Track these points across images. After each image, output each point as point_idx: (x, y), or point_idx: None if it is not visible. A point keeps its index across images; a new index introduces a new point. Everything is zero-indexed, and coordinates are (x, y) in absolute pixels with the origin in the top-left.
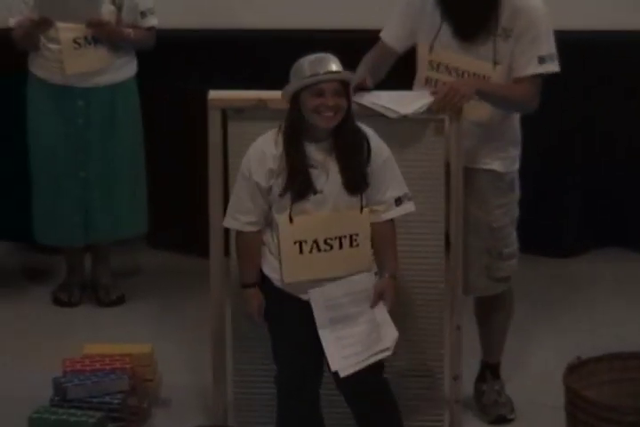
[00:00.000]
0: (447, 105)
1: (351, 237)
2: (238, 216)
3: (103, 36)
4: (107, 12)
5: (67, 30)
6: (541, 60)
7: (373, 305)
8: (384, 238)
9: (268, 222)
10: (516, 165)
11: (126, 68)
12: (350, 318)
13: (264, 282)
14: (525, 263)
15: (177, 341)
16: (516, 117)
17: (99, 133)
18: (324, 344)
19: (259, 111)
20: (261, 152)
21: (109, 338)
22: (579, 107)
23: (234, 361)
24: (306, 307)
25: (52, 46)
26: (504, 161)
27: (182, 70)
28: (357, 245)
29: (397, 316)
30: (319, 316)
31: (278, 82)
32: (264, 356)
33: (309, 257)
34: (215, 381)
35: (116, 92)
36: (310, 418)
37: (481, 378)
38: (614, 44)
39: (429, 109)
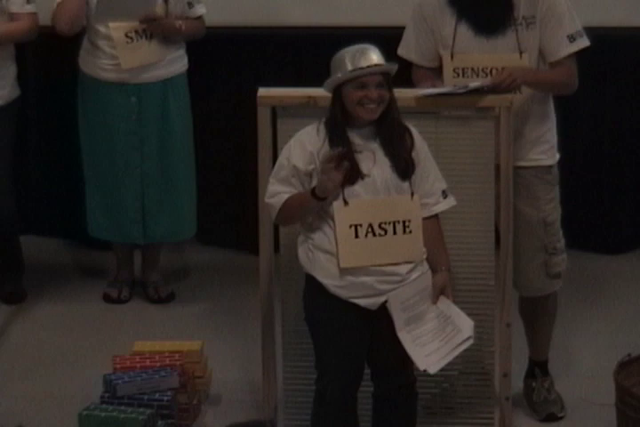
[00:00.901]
0: (502, 87)
1: (404, 223)
2: (272, 202)
3: (157, 30)
4: (157, 6)
5: (117, 26)
6: (571, 38)
7: (436, 301)
8: (435, 233)
9: (317, 221)
10: (557, 155)
11: (177, 64)
12: (419, 317)
13: (315, 289)
14: (576, 260)
15: (227, 337)
16: (550, 104)
17: (152, 129)
18: (406, 346)
19: (308, 108)
20: (303, 140)
21: (159, 335)
22: (630, 98)
23: (283, 358)
24: (357, 312)
25: (103, 44)
26: (547, 152)
27: (233, 67)
28: (410, 231)
29: None
30: (398, 318)
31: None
32: (314, 353)
33: (365, 241)
34: (265, 377)
35: (168, 87)
36: (346, 422)
37: (530, 375)
38: None
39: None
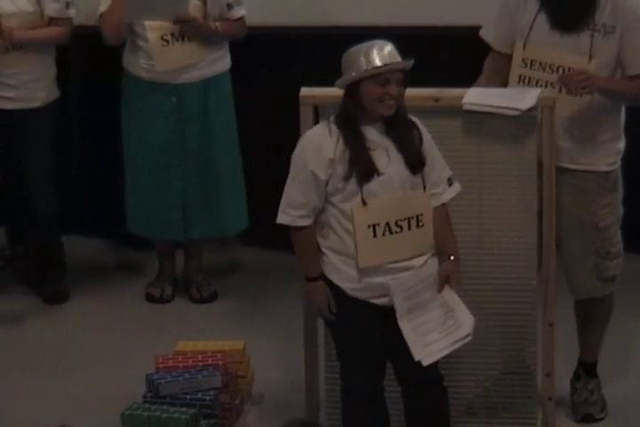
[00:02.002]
0: (571, 87)
1: (417, 217)
2: (289, 211)
3: (191, 32)
4: (193, 7)
5: (154, 28)
6: None
7: (440, 289)
8: (444, 221)
9: (333, 224)
10: (619, 161)
11: (219, 63)
12: (423, 305)
13: (331, 290)
14: (631, 263)
15: (270, 337)
16: (620, 111)
17: (193, 128)
18: (405, 335)
19: None
20: (317, 143)
21: (202, 335)
22: None
23: (326, 358)
24: (375, 310)
25: (142, 43)
26: (607, 159)
27: (278, 67)
28: (422, 225)
29: (490, 314)
30: (400, 307)
31: None
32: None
33: (383, 240)
34: (308, 378)
35: (209, 86)
36: (375, 414)
37: (576, 376)
38: None
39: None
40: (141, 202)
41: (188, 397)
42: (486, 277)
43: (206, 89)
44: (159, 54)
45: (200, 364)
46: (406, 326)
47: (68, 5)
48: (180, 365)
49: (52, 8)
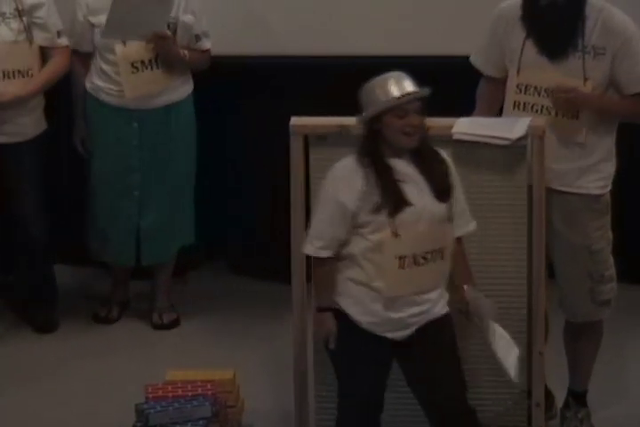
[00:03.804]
0: (558, 104)
1: (441, 250)
2: (315, 242)
3: (164, 51)
4: (168, 32)
5: (125, 55)
6: None
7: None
8: (462, 252)
9: (358, 255)
10: (610, 185)
11: (182, 89)
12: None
13: (340, 319)
14: (621, 290)
15: (259, 367)
16: (611, 134)
17: (153, 154)
18: (500, 355)
19: (340, 137)
20: (347, 175)
21: (191, 363)
22: None
23: (316, 387)
24: (386, 344)
25: (109, 69)
26: (599, 182)
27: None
28: (443, 258)
29: (481, 344)
30: (492, 326)
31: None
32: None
33: (408, 272)
34: (297, 407)
35: (171, 112)
36: None
37: (566, 405)
38: None
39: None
40: (97, 226)
41: None
42: None
43: (168, 115)
44: (129, 81)
45: (190, 393)
46: (498, 345)
47: (59, 34)
48: (170, 394)
49: (42, 37)
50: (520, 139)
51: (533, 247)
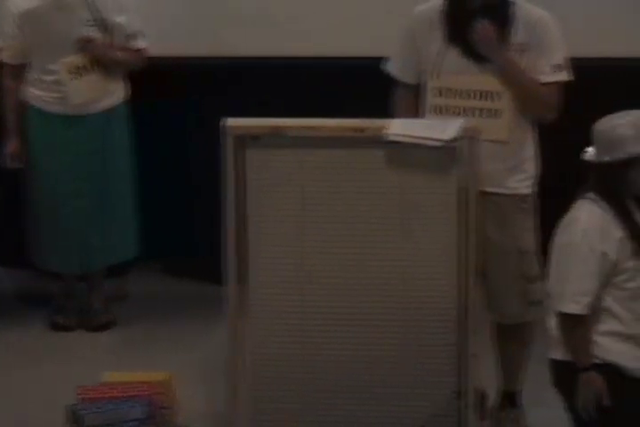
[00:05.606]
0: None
1: None
2: (580, 299)
3: (96, 53)
4: (93, 34)
5: (64, 62)
6: (557, 68)
7: None
8: None
9: (611, 307)
10: (535, 185)
11: (118, 94)
12: None
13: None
14: None
15: (195, 368)
16: (533, 135)
17: (94, 160)
18: None
19: (275, 138)
20: (600, 223)
21: (127, 365)
22: None
23: (250, 388)
24: None
25: (48, 78)
26: (526, 181)
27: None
28: None
29: (412, 345)
30: None
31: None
32: (281, 383)
33: None
34: (231, 408)
35: (110, 117)
36: None
37: (499, 406)
38: None
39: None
40: (39, 234)
41: None
42: (408, 307)
43: (107, 120)
44: (72, 88)
45: (125, 395)
46: None
47: None
48: (105, 396)
49: None
50: (453, 140)
51: (465, 248)
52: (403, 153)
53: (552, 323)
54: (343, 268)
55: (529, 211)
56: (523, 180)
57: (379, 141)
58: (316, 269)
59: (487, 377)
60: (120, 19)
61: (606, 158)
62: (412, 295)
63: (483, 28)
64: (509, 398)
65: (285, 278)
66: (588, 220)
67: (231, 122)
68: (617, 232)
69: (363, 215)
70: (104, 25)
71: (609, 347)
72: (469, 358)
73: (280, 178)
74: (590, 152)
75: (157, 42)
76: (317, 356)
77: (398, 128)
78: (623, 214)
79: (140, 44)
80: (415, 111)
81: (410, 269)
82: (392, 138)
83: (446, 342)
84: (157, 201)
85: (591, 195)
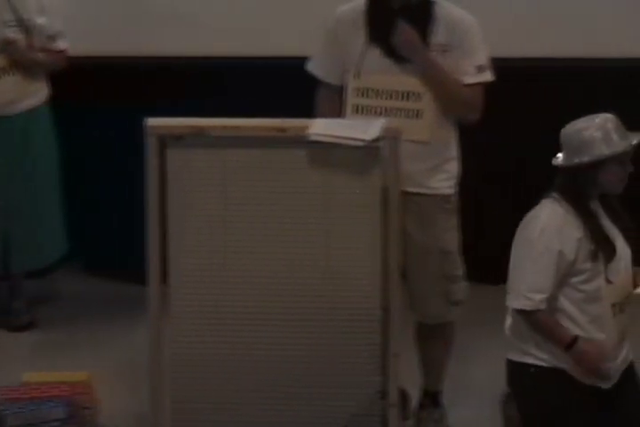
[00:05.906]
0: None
1: (629, 298)
2: (532, 295)
3: (16, 55)
4: (14, 36)
5: None
6: (480, 68)
7: None
8: None
9: (566, 308)
10: (457, 185)
11: (40, 95)
12: None
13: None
14: (475, 291)
15: (116, 368)
16: (454, 135)
17: (14, 161)
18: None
19: (198, 138)
20: (559, 223)
21: (47, 365)
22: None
23: (172, 388)
24: (595, 395)
25: None
26: (448, 182)
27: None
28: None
29: (335, 345)
30: None
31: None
32: (203, 382)
33: (616, 320)
34: (153, 408)
35: (30, 119)
36: None
37: (421, 406)
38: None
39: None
40: None
41: None
42: (331, 307)
43: (27, 121)
44: None
45: (45, 395)
46: None
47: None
48: (26, 396)
49: None
50: (375, 140)
51: (387, 248)
52: (325, 153)
53: (508, 322)
54: (266, 268)
55: (451, 211)
56: (445, 180)
57: (301, 141)
58: (238, 269)
59: (410, 377)
60: (41, 20)
61: (575, 161)
62: (334, 295)
63: (403, 31)
64: (431, 398)
65: (207, 279)
66: (547, 218)
67: (153, 122)
68: (576, 232)
69: (285, 215)
70: (25, 26)
71: (559, 353)
72: (391, 357)
73: (202, 178)
74: (559, 157)
75: (79, 42)
76: (236, 356)
77: (320, 128)
78: (585, 215)
79: (61, 44)
80: (339, 112)
81: (332, 269)
82: (314, 138)
83: (370, 342)
84: (78, 199)
85: (555, 194)
